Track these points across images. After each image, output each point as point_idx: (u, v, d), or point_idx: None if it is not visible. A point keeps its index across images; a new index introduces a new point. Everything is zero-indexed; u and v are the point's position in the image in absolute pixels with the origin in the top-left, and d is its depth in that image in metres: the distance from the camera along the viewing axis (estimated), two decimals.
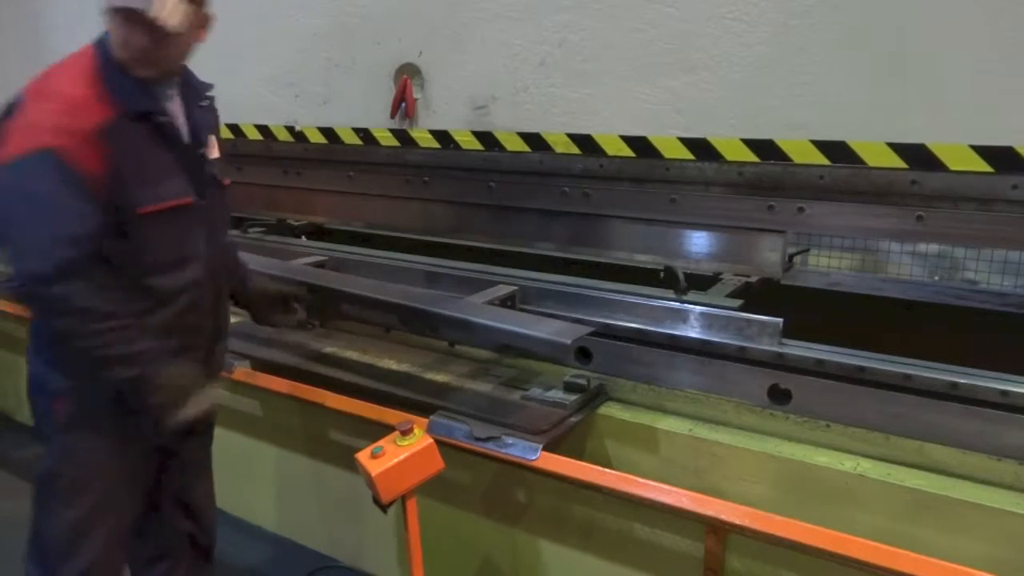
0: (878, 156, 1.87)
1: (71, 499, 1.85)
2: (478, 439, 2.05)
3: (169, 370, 1.75)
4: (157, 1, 1.61)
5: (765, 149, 2.00)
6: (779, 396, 2.10)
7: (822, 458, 1.99)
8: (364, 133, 2.72)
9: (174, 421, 1.77)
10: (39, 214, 1.60)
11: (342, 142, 2.78)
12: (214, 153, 1.90)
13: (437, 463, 1.92)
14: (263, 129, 2.98)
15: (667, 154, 2.14)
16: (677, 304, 2.27)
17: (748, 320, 2.15)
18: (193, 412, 1.79)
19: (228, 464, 2.05)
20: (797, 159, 1.97)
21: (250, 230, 3.29)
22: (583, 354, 2.39)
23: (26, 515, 1.98)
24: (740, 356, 2.14)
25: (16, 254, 1.62)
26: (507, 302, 2.47)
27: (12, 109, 1.68)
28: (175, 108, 1.82)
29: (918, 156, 1.82)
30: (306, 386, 2.45)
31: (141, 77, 1.72)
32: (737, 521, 1.80)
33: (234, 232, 3.12)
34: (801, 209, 2.02)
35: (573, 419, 2.18)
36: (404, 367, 2.51)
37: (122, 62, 1.70)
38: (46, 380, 1.83)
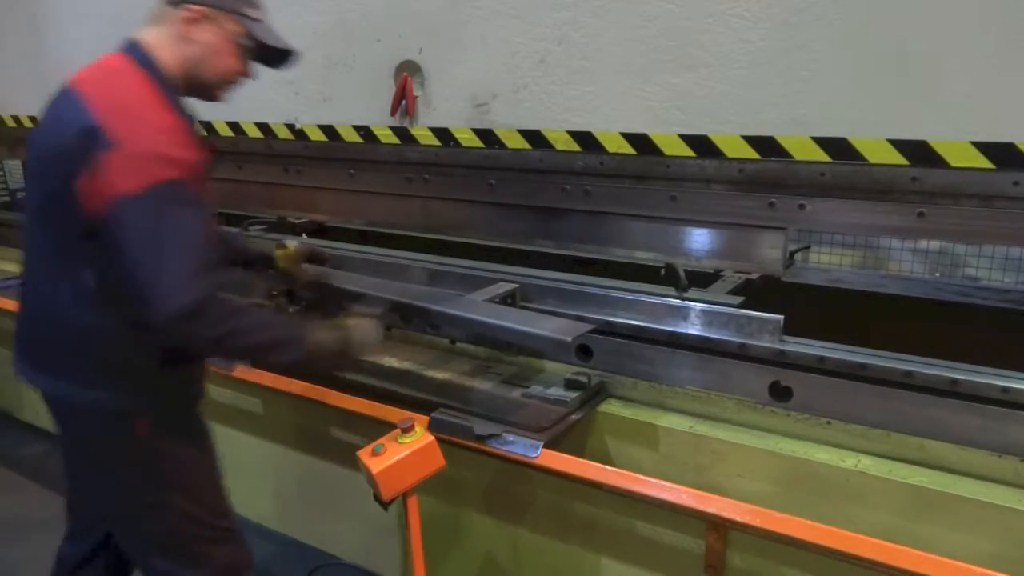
0: (879, 153, 1.87)
1: (187, 488, 1.86)
2: (479, 437, 2.05)
3: (317, 333, 1.80)
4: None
5: (766, 146, 2.00)
6: (780, 393, 2.10)
7: (823, 455, 1.99)
8: (364, 131, 2.71)
9: (355, 360, 1.91)
10: (182, 243, 1.54)
11: (343, 140, 2.78)
12: None
13: (438, 461, 1.92)
14: (263, 127, 2.98)
15: (668, 151, 2.14)
16: (678, 301, 2.27)
17: (749, 317, 2.15)
18: (362, 344, 1.91)
19: (229, 462, 2.05)
20: (798, 156, 1.97)
21: (251, 228, 3.29)
22: (584, 351, 2.40)
23: (26, 512, 1.98)
24: (741, 353, 2.14)
25: (153, 286, 1.52)
26: (508, 299, 2.47)
27: (94, 136, 1.54)
28: None
29: (919, 153, 1.82)
30: (307, 384, 2.45)
31: (182, 95, 1.74)
32: (738, 518, 1.81)
33: (234, 230, 3.13)
34: (802, 206, 2.02)
35: (574, 416, 2.18)
36: (405, 365, 2.51)
37: (192, 81, 1.73)
38: (118, 406, 1.73)
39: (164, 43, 1.72)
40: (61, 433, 1.86)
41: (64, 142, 1.57)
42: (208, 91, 1.79)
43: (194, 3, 1.71)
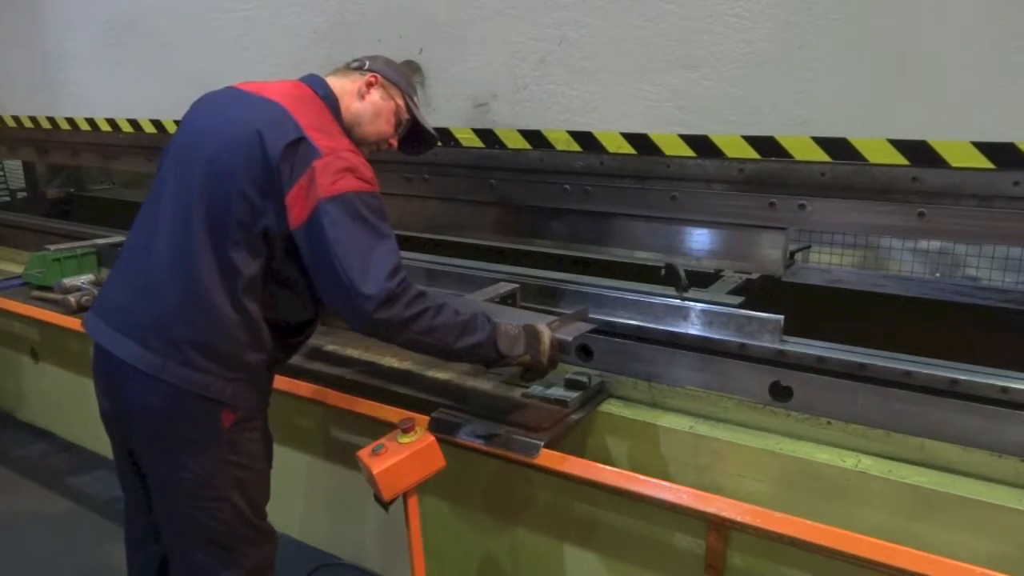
0: (879, 153, 1.87)
1: (245, 487, 1.90)
2: (479, 437, 2.05)
3: (501, 324, 1.92)
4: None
5: (766, 146, 2.00)
6: (780, 393, 2.10)
7: (823, 455, 1.99)
8: None
9: (542, 361, 1.98)
10: (382, 245, 1.73)
11: None
12: None
13: (438, 461, 1.92)
14: None
15: (668, 151, 2.14)
16: (678, 301, 2.27)
17: (749, 317, 2.15)
18: (547, 348, 1.99)
19: None
20: (798, 156, 1.97)
21: None
22: (584, 351, 2.40)
23: (26, 511, 1.98)
24: (741, 353, 2.14)
25: (362, 272, 1.69)
26: (508, 299, 2.47)
27: (306, 146, 1.72)
28: None
29: (919, 153, 1.82)
30: (307, 384, 2.45)
31: None
32: (738, 518, 1.81)
33: None
34: (802, 206, 2.02)
35: (574, 417, 2.18)
36: (405, 365, 2.51)
37: (352, 131, 1.95)
38: (215, 393, 1.80)
39: (344, 93, 1.96)
40: (134, 410, 1.85)
41: (271, 152, 1.71)
42: (360, 146, 1.96)
43: (378, 72, 2.01)
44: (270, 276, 1.79)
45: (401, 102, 2.04)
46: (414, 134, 2.14)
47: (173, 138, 1.92)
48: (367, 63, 2.03)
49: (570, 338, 2.09)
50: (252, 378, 1.85)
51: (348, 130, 1.93)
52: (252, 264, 1.76)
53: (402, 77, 2.07)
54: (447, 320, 1.80)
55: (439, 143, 2.21)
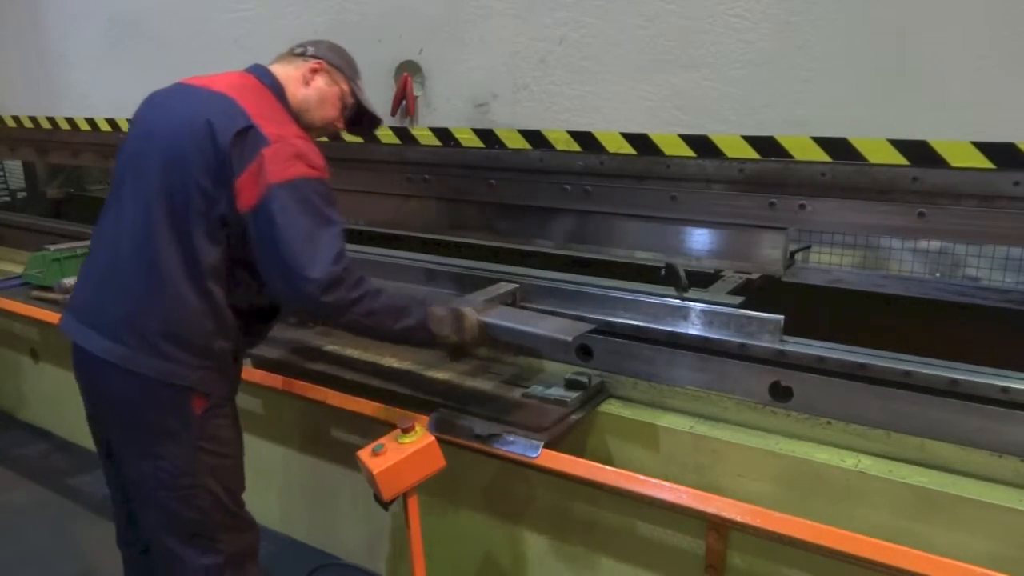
0: (879, 153, 1.87)
1: (219, 474, 1.93)
2: (479, 437, 2.05)
3: (431, 308, 2.01)
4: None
5: (766, 146, 2.00)
6: (780, 393, 2.10)
7: (823, 455, 1.99)
8: None
9: (467, 340, 2.08)
10: (328, 230, 1.78)
11: (343, 140, 2.78)
12: None
13: (438, 461, 1.92)
14: None
15: (668, 151, 2.14)
16: (678, 301, 2.27)
17: (749, 317, 2.15)
18: (472, 327, 2.09)
19: None
20: (798, 156, 1.97)
21: None
22: (584, 351, 2.40)
23: (26, 511, 1.98)
24: (741, 353, 2.14)
25: (307, 255, 1.74)
26: (508, 299, 2.47)
27: (254, 135, 1.77)
28: None
29: (919, 153, 1.82)
30: (307, 384, 2.45)
31: None
32: (738, 518, 1.81)
33: None
34: (802, 206, 2.01)
35: (574, 416, 2.18)
36: (405, 365, 2.51)
37: (300, 117, 1.98)
38: (184, 380, 1.84)
39: (289, 80, 2.00)
40: (108, 403, 1.91)
41: (220, 141, 1.76)
42: (308, 131, 2.00)
43: (322, 58, 2.04)
44: (232, 263, 1.84)
45: (346, 86, 2.08)
46: (360, 117, 2.17)
47: (126, 137, 1.97)
48: (310, 49, 2.06)
49: (494, 321, 2.17)
50: (220, 365, 1.90)
51: (296, 116, 1.97)
52: (214, 251, 1.81)
53: (345, 62, 2.11)
54: (386, 304, 1.88)
55: (439, 143, 2.21)
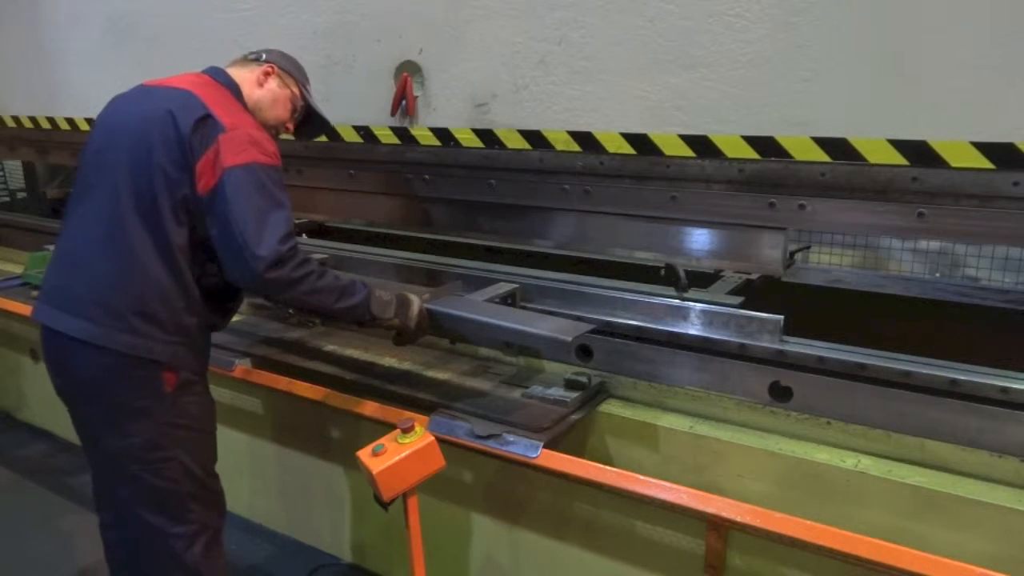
0: (879, 153, 1.87)
1: (190, 446, 2.01)
2: (479, 437, 2.05)
3: (376, 290, 2.10)
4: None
5: (766, 146, 2.00)
6: (780, 393, 2.10)
7: (823, 455, 1.99)
8: (365, 131, 2.72)
9: (409, 326, 2.15)
10: (278, 212, 1.88)
11: (343, 140, 2.78)
12: None
13: (438, 461, 1.92)
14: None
15: (668, 151, 2.14)
16: (678, 301, 2.27)
17: (749, 317, 2.15)
18: (415, 314, 2.16)
19: (229, 462, 2.06)
20: (798, 156, 1.97)
21: None
22: (584, 351, 2.40)
23: (26, 511, 1.98)
24: (741, 353, 2.14)
25: (256, 234, 1.83)
26: (508, 300, 2.47)
27: (213, 123, 1.89)
28: None
29: (919, 153, 1.82)
30: (307, 384, 2.45)
31: None
32: (738, 518, 1.81)
33: None
34: (802, 206, 2.02)
35: (574, 417, 2.18)
36: (405, 365, 2.51)
37: (255, 116, 2.08)
38: (154, 355, 1.92)
39: (244, 81, 2.12)
40: (80, 382, 1.96)
41: (182, 128, 1.88)
42: (267, 127, 2.11)
43: (274, 63, 2.18)
44: (197, 243, 1.94)
45: (296, 90, 2.22)
46: (309, 120, 2.32)
47: (88, 139, 2.07)
48: (263, 55, 2.21)
49: (441, 308, 2.23)
50: (190, 340, 1.98)
51: (251, 114, 2.08)
52: (180, 232, 1.90)
53: (296, 67, 2.26)
54: (328, 284, 1.97)
55: (439, 143, 2.22)
